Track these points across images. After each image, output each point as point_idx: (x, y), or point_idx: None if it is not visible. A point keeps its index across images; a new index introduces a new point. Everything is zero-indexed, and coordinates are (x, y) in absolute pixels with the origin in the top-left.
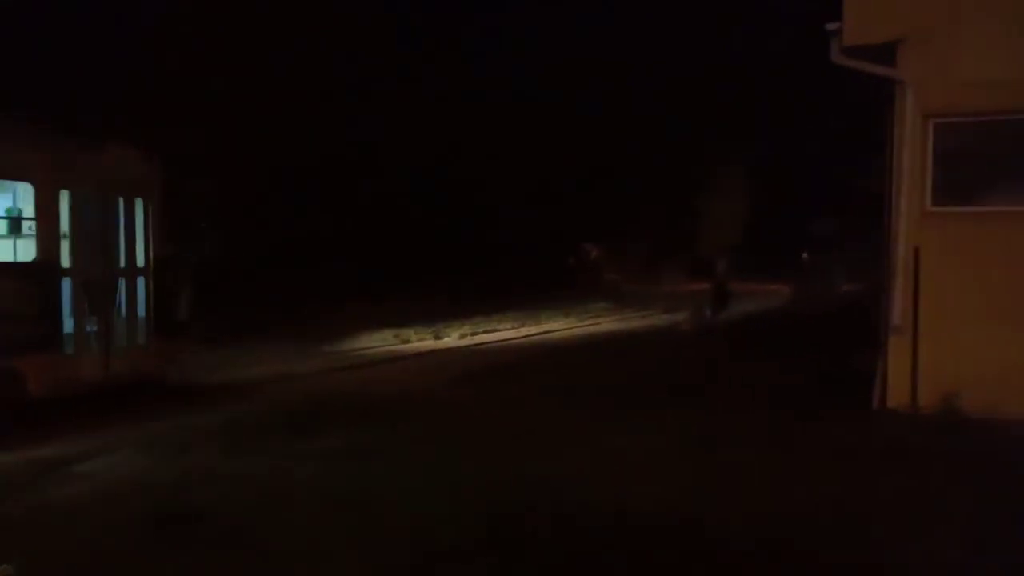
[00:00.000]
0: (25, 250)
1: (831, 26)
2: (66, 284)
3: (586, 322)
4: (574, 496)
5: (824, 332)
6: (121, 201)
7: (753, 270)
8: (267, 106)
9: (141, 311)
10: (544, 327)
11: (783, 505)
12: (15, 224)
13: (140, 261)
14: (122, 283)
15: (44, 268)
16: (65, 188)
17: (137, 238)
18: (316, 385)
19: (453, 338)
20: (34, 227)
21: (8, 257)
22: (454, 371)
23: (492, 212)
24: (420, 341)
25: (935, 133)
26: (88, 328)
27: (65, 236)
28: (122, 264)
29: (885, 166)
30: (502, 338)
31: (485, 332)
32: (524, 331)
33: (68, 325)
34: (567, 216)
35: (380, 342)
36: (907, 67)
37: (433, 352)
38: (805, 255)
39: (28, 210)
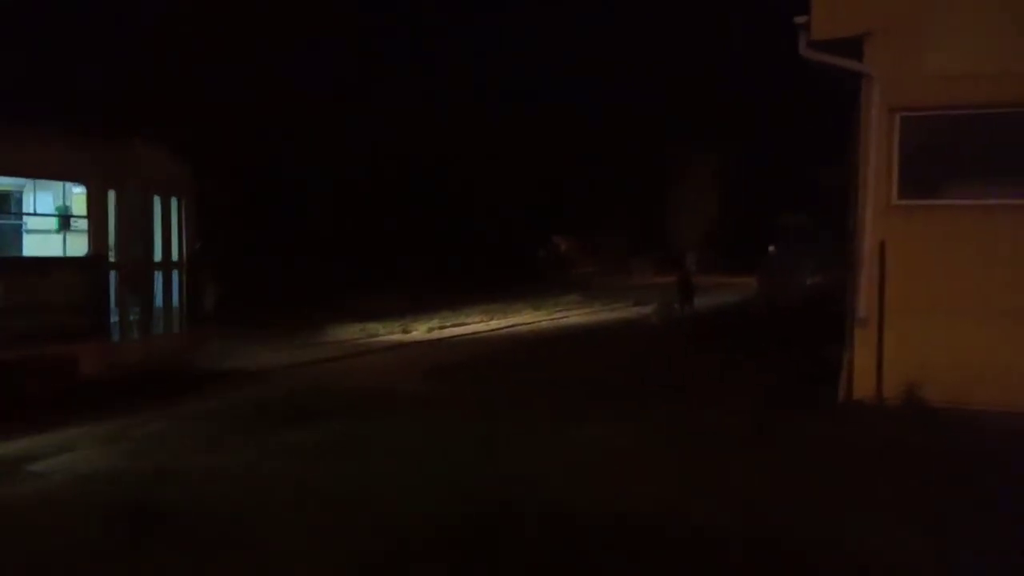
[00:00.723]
0: (73, 245)
1: (799, 19)
2: (113, 276)
3: (555, 315)
4: (566, 495)
5: (790, 324)
6: (158, 199)
7: (722, 264)
8: (249, 105)
9: (175, 301)
10: (513, 320)
11: (770, 506)
12: (64, 221)
13: (175, 255)
14: (159, 275)
15: (95, 262)
16: (112, 188)
17: (173, 233)
18: (299, 378)
19: (421, 331)
20: (81, 223)
21: (58, 251)
22: (424, 365)
23: (466, 207)
24: (389, 335)
25: (901, 127)
26: (131, 317)
27: (112, 232)
28: (159, 258)
29: (850, 160)
30: (471, 331)
31: (453, 326)
32: (493, 324)
33: (114, 314)
34: (539, 211)
35: (351, 335)
36: (874, 61)
37: (402, 346)
38: (771, 248)
39: (74, 206)
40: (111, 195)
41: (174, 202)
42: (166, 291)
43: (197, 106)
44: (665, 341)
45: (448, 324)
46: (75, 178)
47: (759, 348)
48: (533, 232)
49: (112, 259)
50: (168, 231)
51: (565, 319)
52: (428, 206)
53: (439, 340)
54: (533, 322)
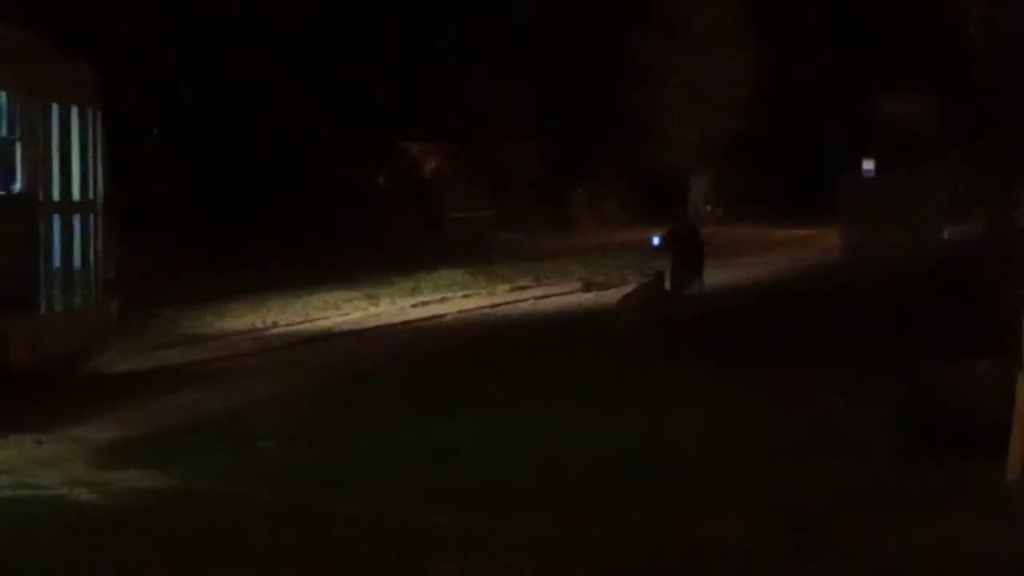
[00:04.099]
0: None
1: None
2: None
3: (412, 308)
4: None
5: (912, 317)
6: (56, 109)
7: (763, 204)
8: None
9: (80, 261)
10: (315, 320)
11: None
12: None
13: (79, 192)
14: (57, 221)
15: (28, 202)
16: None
17: (75, 160)
18: None
19: None
20: None
21: None
22: None
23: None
24: None
25: None
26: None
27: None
28: (58, 196)
29: None
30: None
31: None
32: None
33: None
34: (378, 100)
35: None
36: None
37: None
38: (867, 167)
39: None
40: (55, 109)
41: (75, 113)
42: (68, 244)
43: None
44: (643, 365)
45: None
46: None
47: (842, 368)
48: (367, 142)
49: (55, 197)
50: (68, 156)
51: (433, 318)
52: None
53: None
54: (361, 327)
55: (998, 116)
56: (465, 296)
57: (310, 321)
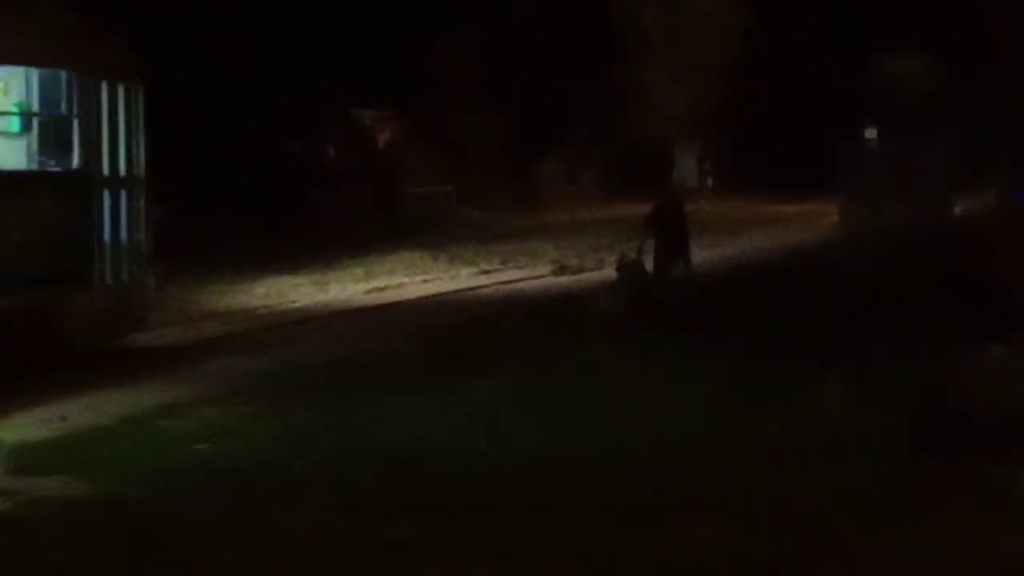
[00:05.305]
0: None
1: None
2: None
3: (365, 291)
4: None
5: (914, 300)
6: (105, 87)
7: (756, 176)
8: None
9: (125, 235)
10: (256, 310)
11: None
12: (27, 121)
13: (124, 167)
14: (107, 197)
15: (86, 178)
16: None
17: (121, 136)
18: None
19: None
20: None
21: (21, 162)
22: None
23: None
24: None
25: None
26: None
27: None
28: (107, 171)
29: None
30: None
31: None
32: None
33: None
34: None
35: None
36: None
37: None
38: (869, 135)
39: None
40: (104, 86)
41: (121, 91)
42: (115, 219)
43: None
44: (627, 354)
45: None
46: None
47: (842, 357)
48: (313, 110)
49: (105, 173)
50: (116, 133)
51: (388, 306)
52: None
53: None
54: (304, 316)
55: (1009, 78)
56: (424, 281)
57: (251, 310)
